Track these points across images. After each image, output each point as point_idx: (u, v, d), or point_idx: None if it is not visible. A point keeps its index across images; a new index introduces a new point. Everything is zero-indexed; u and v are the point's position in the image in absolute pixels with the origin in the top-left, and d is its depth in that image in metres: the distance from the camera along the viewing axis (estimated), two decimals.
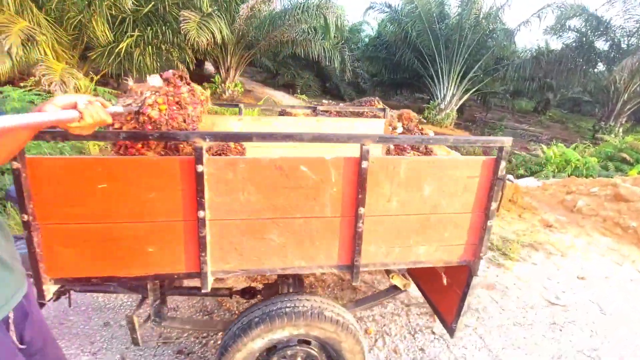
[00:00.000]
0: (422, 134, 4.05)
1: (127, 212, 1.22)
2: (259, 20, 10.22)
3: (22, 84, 5.67)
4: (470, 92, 12.27)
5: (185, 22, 8.05)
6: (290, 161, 1.26)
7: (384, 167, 1.31)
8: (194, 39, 8.07)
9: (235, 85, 12.43)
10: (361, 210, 1.32)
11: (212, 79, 12.36)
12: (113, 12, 7.83)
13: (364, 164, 1.26)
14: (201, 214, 1.22)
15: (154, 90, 1.38)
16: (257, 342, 1.42)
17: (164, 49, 8.56)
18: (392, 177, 1.33)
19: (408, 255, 1.46)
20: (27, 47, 6.37)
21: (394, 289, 1.85)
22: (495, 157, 1.37)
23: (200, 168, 1.17)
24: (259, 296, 2.00)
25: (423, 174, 1.35)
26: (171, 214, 1.23)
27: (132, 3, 8.11)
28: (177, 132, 1.22)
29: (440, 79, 12.16)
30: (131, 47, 8.26)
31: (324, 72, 15.85)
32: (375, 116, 2.91)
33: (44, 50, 6.89)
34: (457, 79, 11.87)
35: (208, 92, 2.38)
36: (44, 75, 6.28)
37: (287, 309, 1.41)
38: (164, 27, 8.36)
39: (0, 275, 0.96)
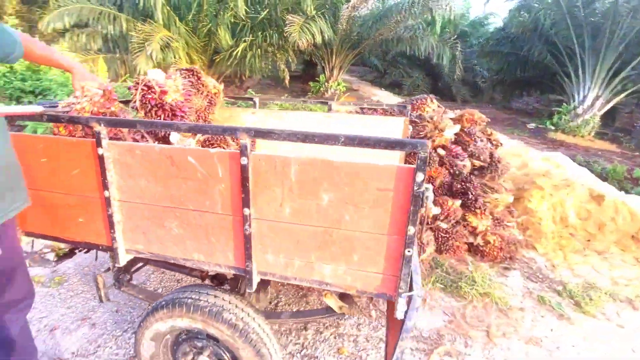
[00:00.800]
0: (490, 141, 3.45)
1: (61, 184, 1.42)
2: (362, 19, 10.21)
3: None
4: (624, 94, 9.47)
5: (290, 26, 8.67)
6: (179, 152, 1.25)
7: (272, 166, 1.17)
8: (295, 41, 8.62)
9: (338, 84, 12.74)
10: (246, 211, 1.21)
11: (317, 79, 12.98)
12: (235, 20, 9.03)
13: (243, 160, 1.15)
14: (106, 193, 1.33)
15: (88, 96, 1.52)
16: (161, 324, 1.46)
17: (270, 51, 9.42)
18: (282, 179, 1.17)
19: (311, 273, 1.27)
20: (165, 52, 7.92)
21: (329, 310, 1.62)
22: (414, 165, 1.05)
23: (100, 151, 1.28)
24: (226, 284, 2.04)
25: (318, 179, 1.14)
26: (89, 190, 1.38)
27: (249, 11, 9.25)
28: (80, 117, 1.36)
29: (581, 77, 9.79)
30: (245, 51, 9.38)
31: (435, 71, 14.77)
32: (390, 114, 2.58)
33: (179, 55, 8.45)
34: (605, 77, 9.36)
35: (221, 87, 2.54)
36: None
37: (189, 300, 1.41)
38: (271, 31, 9.18)
39: None
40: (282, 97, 10.30)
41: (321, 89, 12.68)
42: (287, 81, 9.94)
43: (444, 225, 2.95)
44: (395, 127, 2.33)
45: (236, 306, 1.43)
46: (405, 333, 1.20)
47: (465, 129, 3.24)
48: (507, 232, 3.16)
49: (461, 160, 3.10)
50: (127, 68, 8.62)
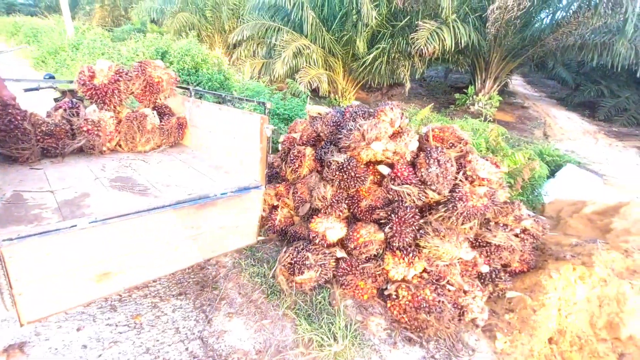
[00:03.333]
0: (464, 171, 2.69)
1: None
2: (520, 22, 8.42)
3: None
4: None
5: (420, 31, 8.25)
6: None
7: None
8: (418, 47, 8.14)
9: (490, 98, 10.96)
10: None
11: (464, 90, 11.57)
12: (378, 28, 9.33)
13: None
14: None
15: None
16: None
17: (395, 57, 9.25)
18: None
19: None
20: (297, 58, 9.17)
21: None
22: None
23: None
24: None
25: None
26: None
27: (391, 19, 9.35)
28: None
29: None
30: (376, 58, 9.58)
31: None
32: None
33: (313, 61, 9.53)
34: None
35: (173, 77, 3.12)
36: (300, 77, 8.87)
37: None
38: (400, 38, 8.98)
39: None
40: (409, 106, 9.87)
41: (467, 102, 11.26)
42: (407, 89, 9.47)
43: (339, 254, 2.48)
44: (252, 121, 2.23)
45: None
46: None
47: (427, 148, 2.53)
48: (433, 294, 2.29)
49: (399, 185, 2.47)
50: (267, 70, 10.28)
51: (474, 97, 11.20)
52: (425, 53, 8.18)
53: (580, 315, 2.42)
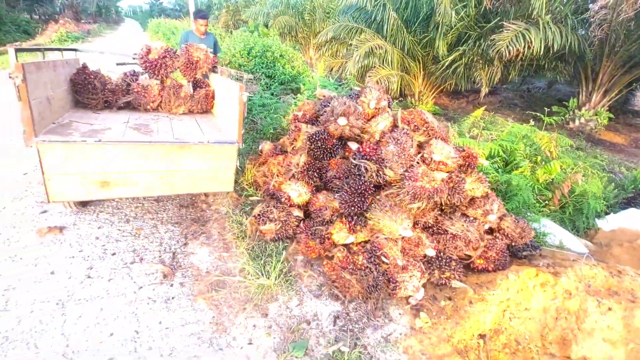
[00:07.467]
0: (422, 154, 2.83)
1: None
2: (633, 24, 7.07)
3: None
4: None
5: (503, 32, 7.68)
6: None
7: None
8: (498, 50, 7.57)
9: (596, 115, 9.38)
10: None
11: (566, 103, 10.10)
12: (464, 30, 8.97)
13: None
14: None
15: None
16: None
17: (474, 60, 8.71)
18: None
19: None
20: (369, 58, 9.41)
21: None
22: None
23: None
24: None
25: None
26: None
27: (477, 20, 8.86)
28: None
29: None
30: (455, 61, 9.20)
31: None
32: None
33: (387, 60, 9.65)
34: None
35: (210, 58, 3.81)
36: (369, 76, 9.13)
37: None
38: (481, 40, 8.43)
39: None
40: (493, 116, 9.18)
41: (566, 116, 9.84)
42: (481, 95, 8.80)
43: (295, 213, 2.79)
44: (235, 90, 2.71)
45: None
46: None
47: (394, 130, 2.66)
48: (364, 261, 2.42)
49: (358, 159, 2.66)
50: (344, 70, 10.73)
51: (575, 111, 9.72)
52: (505, 56, 7.54)
53: (530, 323, 2.25)
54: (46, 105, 2.41)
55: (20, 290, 2.20)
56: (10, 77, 1.99)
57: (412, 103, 10.74)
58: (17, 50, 2.22)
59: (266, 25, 17.98)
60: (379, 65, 9.54)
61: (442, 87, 11.10)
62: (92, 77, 3.14)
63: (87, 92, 3.12)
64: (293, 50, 10.64)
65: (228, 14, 22.16)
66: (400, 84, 10.15)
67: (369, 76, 9.16)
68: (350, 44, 10.61)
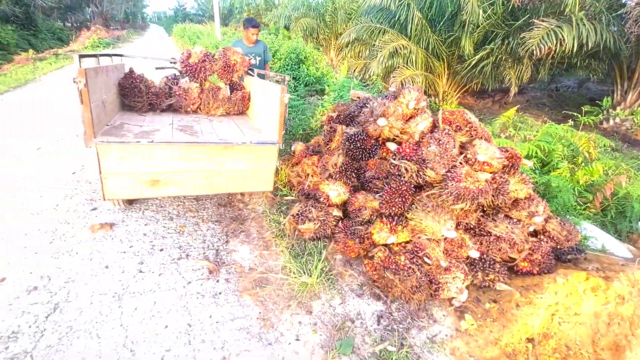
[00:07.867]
0: (466, 154, 2.83)
1: None
2: None
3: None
4: None
5: (534, 30, 7.49)
6: None
7: None
8: (529, 48, 7.38)
9: (632, 114, 9.00)
10: None
11: (599, 102, 9.72)
12: (491, 28, 8.80)
13: None
14: None
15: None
16: None
17: (503, 59, 8.52)
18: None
19: None
20: (394, 58, 9.35)
21: None
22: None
23: None
24: None
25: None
26: None
27: (505, 18, 8.67)
28: None
29: None
30: (482, 59, 9.03)
31: None
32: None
33: (411, 61, 9.57)
34: None
35: (245, 61, 3.92)
36: (393, 77, 9.08)
37: None
38: (510, 39, 8.24)
39: None
40: (521, 116, 8.96)
41: (600, 115, 9.47)
42: (511, 95, 8.58)
43: (335, 213, 2.82)
44: (276, 92, 2.76)
45: None
46: None
47: (434, 131, 2.65)
48: (406, 261, 2.41)
49: (398, 160, 2.67)
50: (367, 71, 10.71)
51: (610, 111, 9.35)
52: (536, 54, 7.34)
53: (580, 328, 2.19)
54: (101, 108, 2.54)
55: (79, 282, 2.32)
56: (74, 82, 2.11)
57: (436, 103, 10.60)
58: (81, 57, 2.35)
59: (287, 28, 18.17)
60: (403, 66, 9.46)
61: (467, 87, 10.93)
62: (138, 81, 3.28)
63: (134, 95, 3.26)
64: (317, 52, 10.70)
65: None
66: (424, 84, 10.04)
67: (393, 76, 9.10)
68: (373, 45, 10.59)
